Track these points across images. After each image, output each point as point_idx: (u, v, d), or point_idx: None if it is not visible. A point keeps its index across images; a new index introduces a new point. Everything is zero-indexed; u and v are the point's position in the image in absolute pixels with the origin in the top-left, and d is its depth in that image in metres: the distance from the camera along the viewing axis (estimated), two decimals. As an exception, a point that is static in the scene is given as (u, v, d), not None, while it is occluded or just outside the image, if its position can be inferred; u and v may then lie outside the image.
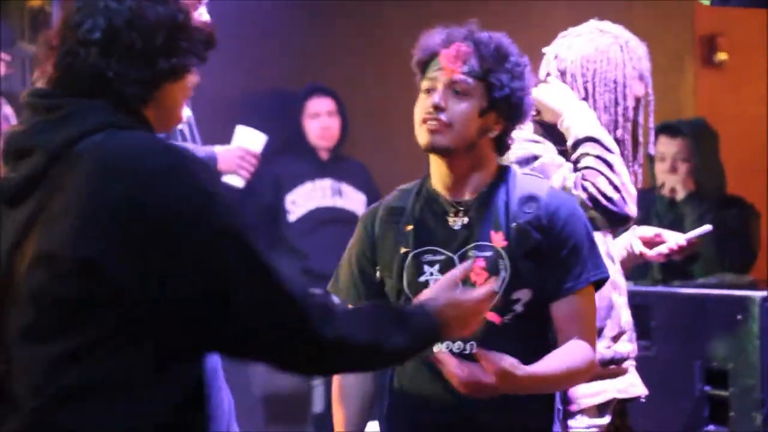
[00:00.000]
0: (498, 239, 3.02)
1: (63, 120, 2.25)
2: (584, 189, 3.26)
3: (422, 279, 3.03)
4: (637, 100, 3.48)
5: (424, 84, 3.02)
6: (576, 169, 3.31)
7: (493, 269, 2.99)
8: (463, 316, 2.51)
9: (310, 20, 6.22)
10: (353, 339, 2.29)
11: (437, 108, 2.98)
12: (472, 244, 3.02)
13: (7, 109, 5.11)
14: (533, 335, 3.02)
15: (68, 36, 2.28)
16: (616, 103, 3.43)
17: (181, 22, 2.30)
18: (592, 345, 2.99)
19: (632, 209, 3.32)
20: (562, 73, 3.45)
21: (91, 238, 2.15)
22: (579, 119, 3.36)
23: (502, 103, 3.00)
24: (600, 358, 3.28)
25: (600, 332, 3.34)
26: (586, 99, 3.43)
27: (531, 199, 3.03)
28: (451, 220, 3.06)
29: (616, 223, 3.32)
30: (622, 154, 3.42)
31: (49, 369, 2.16)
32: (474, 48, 3.00)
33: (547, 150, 3.34)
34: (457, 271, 2.64)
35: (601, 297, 3.19)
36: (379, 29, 6.30)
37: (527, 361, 2.85)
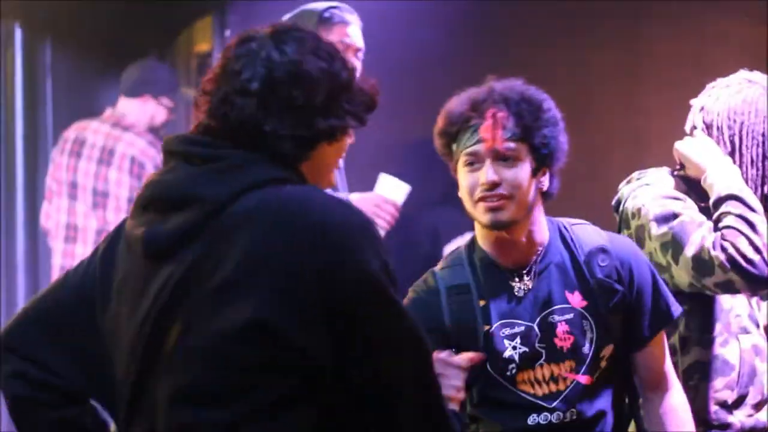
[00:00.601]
0: (576, 300, 2.94)
1: (225, 172, 2.12)
2: (723, 249, 3.07)
3: (505, 356, 2.93)
4: None
5: (464, 158, 2.90)
6: (716, 229, 3.12)
7: (578, 332, 2.94)
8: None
9: (473, 69, 6.14)
10: None
11: (495, 185, 2.86)
12: (550, 309, 2.93)
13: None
14: (619, 384, 3.00)
15: (224, 83, 2.18)
16: (764, 157, 3.23)
17: (344, 81, 2.20)
18: (678, 381, 3.04)
19: None
20: (708, 126, 3.28)
21: (276, 304, 2.04)
22: (723, 176, 3.17)
23: (548, 156, 2.90)
24: (740, 427, 3.20)
25: (742, 400, 3.22)
26: (732, 153, 3.24)
27: (601, 251, 2.94)
28: (517, 287, 2.94)
29: (756, 286, 3.12)
30: None
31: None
32: (507, 109, 2.87)
33: (687, 207, 3.17)
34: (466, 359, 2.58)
35: (744, 363, 3.15)
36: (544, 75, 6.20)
37: (619, 413, 2.94)
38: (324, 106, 2.16)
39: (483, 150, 2.87)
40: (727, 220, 3.12)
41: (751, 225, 3.11)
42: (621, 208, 3.27)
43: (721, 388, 3.19)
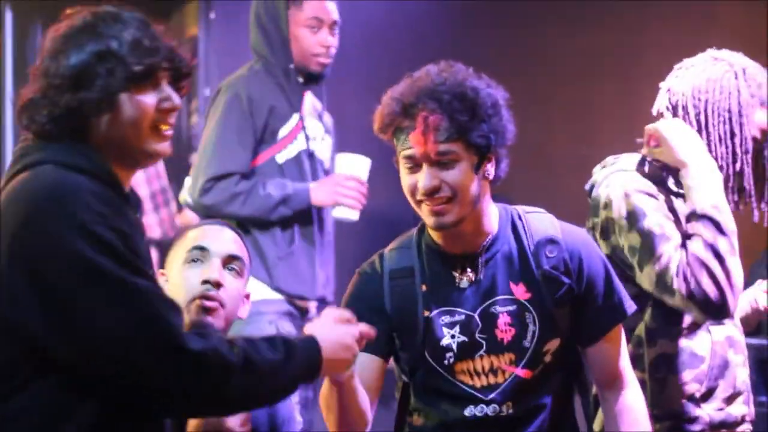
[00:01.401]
0: (520, 292, 2.87)
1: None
2: (685, 280, 3.01)
3: (443, 344, 2.87)
4: (763, 132, 3.18)
5: (403, 161, 2.81)
6: (684, 245, 3.05)
7: (519, 324, 2.86)
8: (341, 351, 2.49)
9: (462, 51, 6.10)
10: (224, 353, 2.23)
11: (434, 189, 2.77)
12: (492, 299, 2.86)
13: None
14: (563, 381, 2.93)
15: None
16: (733, 134, 3.15)
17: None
18: (634, 379, 2.95)
19: (731, 307, 3.03)
20: (674, 107, 3.21)
21: None
22: (702, 184, 3.08)
23: (491, 147, 2.80)
24: (708, 420, 3.13)
25: (711, 393, 3.15)
26: (699, 132, 3.16)
27: (550, 242, 2.86)
28: (461, 276, 2.88)
29: (713, 318, 3.08)
30: (744, 190, 3.16)
31: None
32: (439, 109, 2.75)
33: (658, 209, 3.10)
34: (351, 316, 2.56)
35: (715, 355, 3.04)
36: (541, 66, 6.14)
37: (561, 407, 2.87)
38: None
39: (418, 155, 2.79)
40: (696, 247, 3.03)
41: (719, 257, 3.02)
42: (593, 194, 3.20)
43: (688, 381, 3.12)
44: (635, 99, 6.01)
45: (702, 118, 3.17)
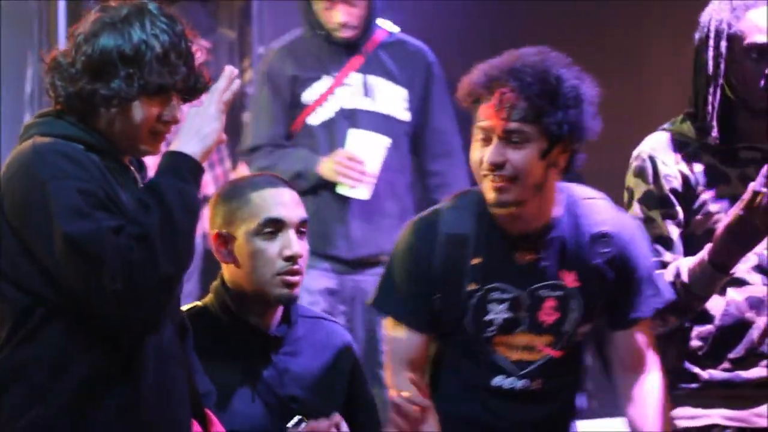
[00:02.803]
0: (570, 279, 2.94)
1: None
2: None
3: (487, 318, 2.95)
4: None
5: (477, 133, 2.88)
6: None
7: (563, 310, 2.95)
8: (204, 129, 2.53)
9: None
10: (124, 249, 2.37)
11: (498, 166, 2.84)
12: (543, 283, 2.94)
13: None
14: (583, 357, 3.05)
15: None
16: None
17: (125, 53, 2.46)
18: (658, 365, 3.03)
19: None
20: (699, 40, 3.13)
21: None
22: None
23: (564, 137, 2.85)
24: (707, 378, 3.12)
25: (718, 352, 3.12)
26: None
27: (604, 236, 2.93)
28: (518, 255, 2.94)
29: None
30: None
31: None
32: (519, 90, 2.82)
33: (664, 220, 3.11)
34: None
35: (727, 315, 3.09)
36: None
37: (580, 383, 3.02)
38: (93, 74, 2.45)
39: (488, 128, 2.87)
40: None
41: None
42: None
43: (692, 338, 3.12)
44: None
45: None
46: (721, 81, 3.07)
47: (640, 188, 3.10)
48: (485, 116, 2.85)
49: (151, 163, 2.58)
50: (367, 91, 4.51)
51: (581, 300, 2.95)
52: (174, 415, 2.52)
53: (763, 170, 2.90)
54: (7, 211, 2.42)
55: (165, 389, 2.48)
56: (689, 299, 3.02)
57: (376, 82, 4.53)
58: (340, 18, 4.44)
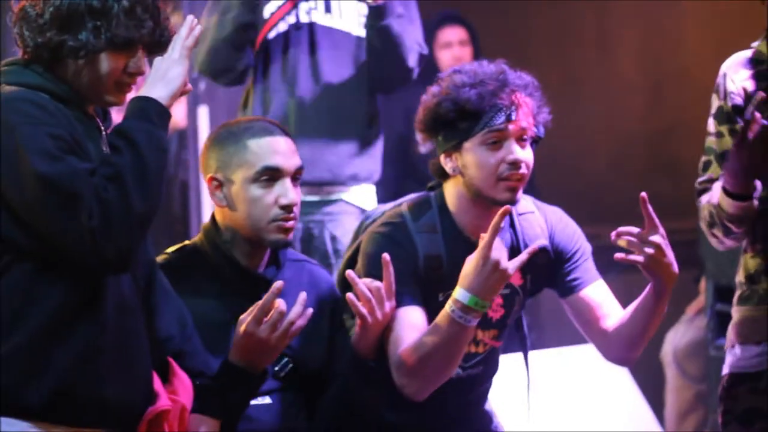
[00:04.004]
0: (516, 277, 3.14)
1: None
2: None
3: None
4: None
5: (487, 136, 3.04)
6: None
7: (508, 305, 3.17)
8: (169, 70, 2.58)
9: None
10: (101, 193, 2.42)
11: (521, 164, 3.04)
12: None
13: None
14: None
15: None
16: None
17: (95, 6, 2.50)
18: None
19: None
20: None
21: None
22: None
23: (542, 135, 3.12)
24: None
25: None
26: None
27: (542, 251, 3.11)
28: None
29: None
30: None
31: None
32: (524, 92, 3.07)
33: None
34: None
35: None
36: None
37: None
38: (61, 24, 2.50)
39: (509, 128, 3.02)
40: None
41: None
42: None
43: None
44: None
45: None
46: None
47: (714, 103, 3.10)
48: (503, 117, 3.03)
49: (115, 115, 2.60)
50: (327, 8, 4.34)
51: (523, 294, 3.19)
52: (132, 365, 2.57)
53: (758, 96, 2.96)
54: None
55: (124, 340, 2.54)
56: (722, 219, 2.99)
57: None
58: None
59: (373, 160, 4.29)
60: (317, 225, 4.21)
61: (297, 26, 4.28)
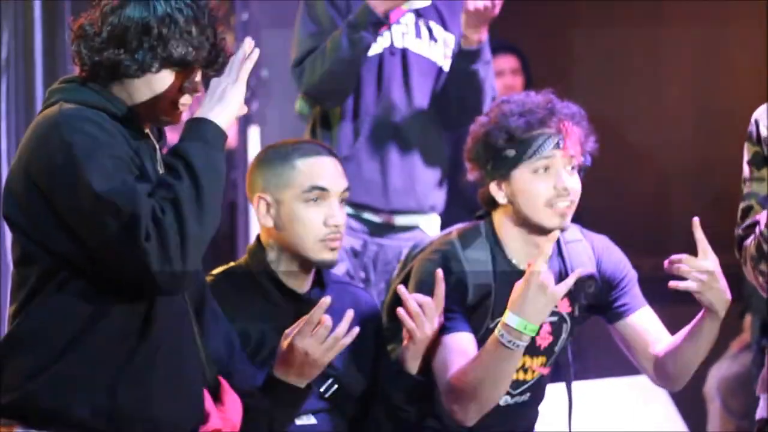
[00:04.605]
0: (564, 305, 3.19)
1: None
2: None
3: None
4: None
5: (539, 163, 3.09)
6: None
7: (556, 333, 3.20)
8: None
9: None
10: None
11: (568, 190, 3.10)
12: None
13: None
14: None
15: None
16: None
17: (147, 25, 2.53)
18: None
19: None
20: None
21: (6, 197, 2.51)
22: None
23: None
24: None
25: None
26: None
27: (590, 277, 3.17)
28: None
29: None
30: None
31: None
32: (573, 121, 3.13)
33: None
34: None
35: None
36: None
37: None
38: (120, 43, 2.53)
39: (558, 155, 3.08)
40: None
41: None
42: None
43: None
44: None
45: None
46: None
47: (749, 150, 3.06)
48: (552, 144, 3.09)
49: (170, 134, 2.63)
50: (418, 32, 4.29)
51: (570, 322, 3.21)
52: (184, 384, 2.57)
53: None
54: (34, 174, 2.47)
55: (176, 359, 2.55)
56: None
57: (428, 24, 4.30)
58: None
59: (444, 191, 4.31)
60: (392, 250, 4.19)
61: (392, 51, 4.25)
